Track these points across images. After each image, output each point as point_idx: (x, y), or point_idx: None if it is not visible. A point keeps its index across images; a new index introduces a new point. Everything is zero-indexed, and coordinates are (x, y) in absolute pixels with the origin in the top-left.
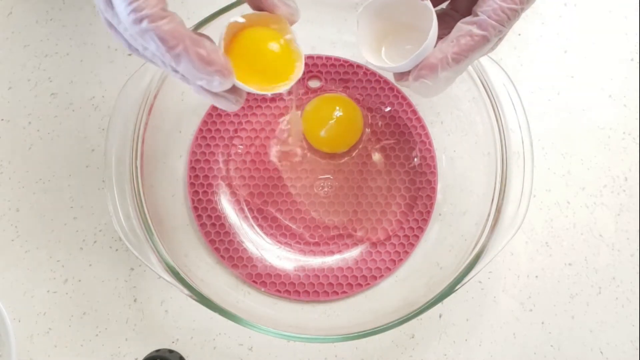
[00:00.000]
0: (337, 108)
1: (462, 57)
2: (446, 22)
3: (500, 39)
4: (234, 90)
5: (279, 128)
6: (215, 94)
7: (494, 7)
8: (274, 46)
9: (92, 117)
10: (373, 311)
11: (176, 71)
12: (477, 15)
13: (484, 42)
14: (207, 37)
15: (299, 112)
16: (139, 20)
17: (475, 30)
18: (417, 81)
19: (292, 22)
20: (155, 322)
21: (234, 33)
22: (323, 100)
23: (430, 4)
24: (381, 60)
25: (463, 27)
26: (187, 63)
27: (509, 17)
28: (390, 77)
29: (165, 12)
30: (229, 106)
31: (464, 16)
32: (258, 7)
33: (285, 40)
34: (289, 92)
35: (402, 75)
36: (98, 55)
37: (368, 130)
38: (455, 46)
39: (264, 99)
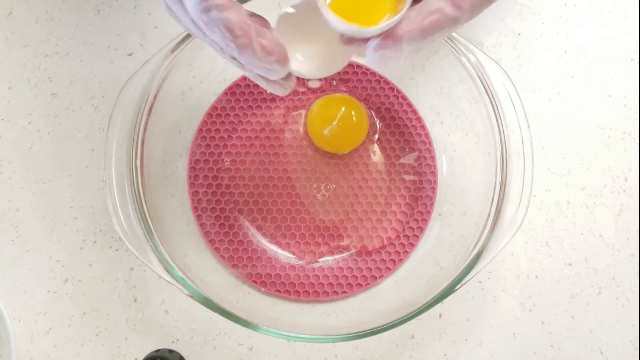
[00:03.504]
0: (344, 109)
1: (428, 34)
2: None
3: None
4: (287, 76)
5: (280, 127)
6: (270, 80)
7: None
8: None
9: (92, 117)
10: (373, 311)
11: (234, 58)
12: None
13: (453, 24)
14: (266, 23)
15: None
16: (208, 10)
17: (449, 9)
18: (378, 52)
19: None
20: (155, 322)
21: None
22: (330, 99)
23: None
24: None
25: (435, 1)
26: (250, 53)
27: (481, 3)
28: (390, 77)
29: (231, 3)
30: (281, 91)
31: None
32: None
33: None
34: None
35: (353, 41)
36: (98, 55)
37: (373, 133)
38: (426, 20)
39: (264, 98)
